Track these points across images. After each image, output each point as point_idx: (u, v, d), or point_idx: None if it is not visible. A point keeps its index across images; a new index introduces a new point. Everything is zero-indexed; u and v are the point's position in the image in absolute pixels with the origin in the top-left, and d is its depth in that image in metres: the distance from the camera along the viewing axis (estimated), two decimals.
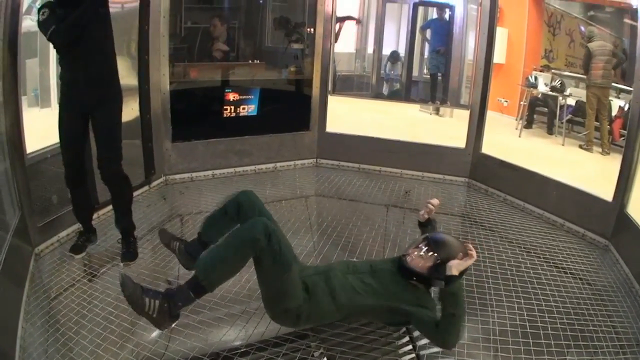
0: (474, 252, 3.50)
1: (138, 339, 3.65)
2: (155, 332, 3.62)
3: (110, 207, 4.97)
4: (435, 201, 4.03)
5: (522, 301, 4.46)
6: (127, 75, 5.76)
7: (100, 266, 4.62)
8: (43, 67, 5.04)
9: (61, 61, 4.23)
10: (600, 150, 9.26)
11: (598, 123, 9.33)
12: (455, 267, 3.40)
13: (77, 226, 4.91)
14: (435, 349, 3.73)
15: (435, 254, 3.50)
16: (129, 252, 4.71)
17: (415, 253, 3.57)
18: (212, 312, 3.93)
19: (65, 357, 3.44)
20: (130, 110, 5.90)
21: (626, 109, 8.87)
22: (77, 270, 4.53)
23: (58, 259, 4.67)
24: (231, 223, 3.63)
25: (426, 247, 3.55)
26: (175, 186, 6.85)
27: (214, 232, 3.69)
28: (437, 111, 11.53)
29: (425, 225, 4.06)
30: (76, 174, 4.47)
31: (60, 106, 4.32)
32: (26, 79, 5.22)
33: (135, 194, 5.53)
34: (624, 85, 9.42)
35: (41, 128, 4.71)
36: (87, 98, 4.25)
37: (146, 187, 6.46)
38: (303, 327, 3.66)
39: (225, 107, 7.19)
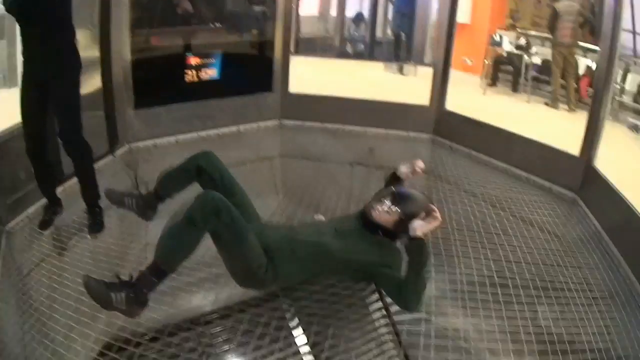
0: (438, 215, 3.38)
1: (110, 313, 3.46)
2: None
3: (75, 179, 4.84)
4: (422, 165, 3.94)
5: (489, 253, 4.40)
6: (88, 46, 5.71)
7: (69, 239, 4.51)
8: (10, 48, 4.92)
9: (22, 37, 4.15)
10: (566, 107, 9.25)
11: (564, 81, 9.29)
12: (419, 228, 3.29)
13: (45, 200, 4.78)
14: None
15: (401, 209, 3.43)
16: (96, 223, 4.60)
17: (381, 207, 3.48)
18: (184, 278, 3.77)
19: (39, 332, 3.38)
20: (92, 81, 5.83)
21: (594, 68, 8.79)
22: (47, 245, 4.41)
23: (28, 235, 4.56)
24: (190, 181, 3.59)
25: (392, 202, 3.47)
26: (139, 154, 6.64)
27: (171, 189, 3.65)
28: (400, 71, 11.43)
29: (394, 182, 3.94)
30: (36, 146, 4.35)
31: (22, 80, 4.25)
32: None
33: (99, 164, 5.63)
34: (592, 44, 9.35)
35: (9, 107, 4.57)
36: (44, 70, 4.14)
37: (110, 157, 6.25)
38: (269, 289, 3.59)
39: (187, 71, 7.01)
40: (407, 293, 3.21)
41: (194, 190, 3.49)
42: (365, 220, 3.52)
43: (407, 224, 3.33)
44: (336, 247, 3.36)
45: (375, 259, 3.39)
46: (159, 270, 2.95)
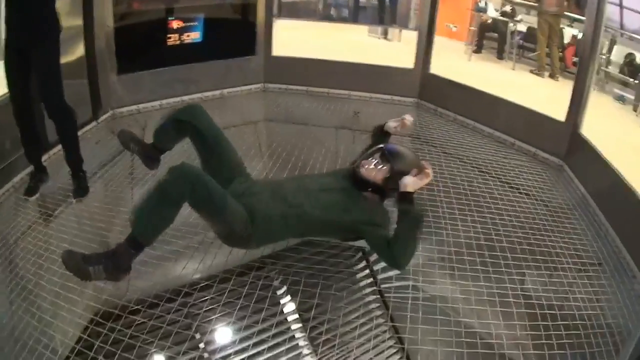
0: (430, 171, 3.32)
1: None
2: None
3: (60, 146, 4.88)
4: (411, 119, 3.82)
5: (476, 216, 4.38)
6: (71, 12, 5.68)
7: (55, 206, 4.50)
8: None
9: (5, 5, 4.18)
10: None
11: (549, 49, 9.26)
12: (411, 184, 3.26)
13: (30, 169, 4.80)
14: (392, 272, 3.72)
15: (391, 165, 3.36)
16: (80, 188, 4.62)
17: (369, 164, 3.42)
18: (169, 246, 3.76)
19: (26, 300, 3.37)
20: (75, 49, 5.83)
21: (579, 37, 8.75)
22: (33, 213, 4.42)
23: (14, 204, 4.54)
24: (182, 134, 3.55)
25: (381, 158, 3.41)
26: (123, 119, 6.61)
27: (166, 142, 3.63)
28: (385, 35, 11.34)
29: (380, 138, 3.85)
30: (22, 110, 4.39)
31: (4, 47, 4.32)
32: None
33: (83, 130, 5.77)
34: (578, 14, 9.30)
35: None
36: (24, 36, 4.19)
37: (94, 123, 6.24)
38: (257, 248, 3.47)
39: (169, 35, 6.95)
40: (398, 250, 3.12)
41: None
42: (354, 178, 3.45)
43: (396, 180, 3.30)
44: (323, 206, 3.28)
45: (363, 217, 3.30)
46: (137, 242, 2.88)
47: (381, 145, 3.52)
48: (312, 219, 3.26)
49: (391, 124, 3.81)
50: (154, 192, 2.87)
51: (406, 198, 3.23)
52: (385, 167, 3.37)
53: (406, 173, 3.31)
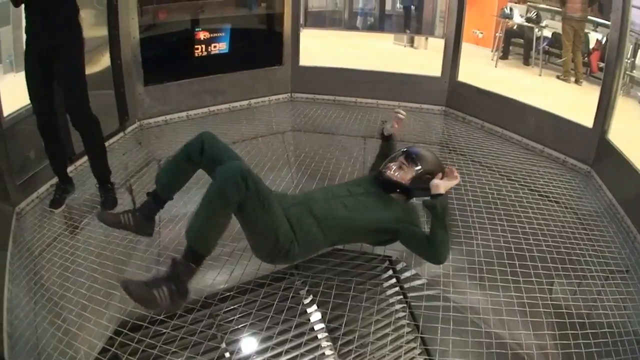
0: (456, 174, 3.45)
1: (124, 292, 3.47)
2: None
3: (86, 158, 4.87)
4: (403, 111, 3.94)
5: (506, 225, 4.39)
6: (96, 23, 5.71)
7: (81, 218, 4.52)
8: (16, 32, 4.95)
9: (25, 14, 4.16)
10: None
11: (573, 55, 9.25)
12: (442, 186, 3.35)
13: (55, 180, 4.79)
14: (419, 281, 3.78)
15: (416, 165, 3.49)
16: (108, 199, 4.59)
17: (395, 166, 3.54)
18: None
19: (51, 312, 3.36)
20: (101, 58, 5.85)
21: (604, 42, 8.75)
22: (58, 224, 4.41)
23: (39, 215, 4.56)
24: (193, 168, 3.29)
25: (406, 160, 3.52)
26: (150, 130, 6.66)
27: (171, 185, 3.31)
28: (411, 43, 11.37)
29: (388, 140, 4.01)
30: (47, 121, 4.35)
31: (25, 56, 4.24)
32: (1, 47, 5.37)
33: (110, 141, 5.79)
34: (602, 19, 9.28)
35: (17, 91, 4.57)
36: (46, 45, 4.16)
37: (121, 134, 6.27)
38: (295, 262, 3.56)
39: (196, 46, 6.99)
40: (437, 246, 3.24)
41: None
42: (380, 180, 3.56)
43: (422, 179, 3.44)
44: (357, 209, 3.38)
45: (396, 215, 3.41)
46: (196, 254, 2.86)
47: (404, 149, 3.63)
48: (348, 222, 3.33)
49: (388, 127, 3.94)
50: (209, 193, 2.83)
51: (438, 197, 3.32)
52: (410, 168, 3.49)
53: (430, 172, 3.46)
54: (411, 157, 3.51)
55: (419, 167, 3.47)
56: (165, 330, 3.23)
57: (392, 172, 3.52)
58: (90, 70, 5.07)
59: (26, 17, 4.16)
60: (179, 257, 2.86)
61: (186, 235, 2.87)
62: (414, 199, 3.62)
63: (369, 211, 3.38)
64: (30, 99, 4.30)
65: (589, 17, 9.35)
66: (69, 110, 4.41)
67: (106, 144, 4.97)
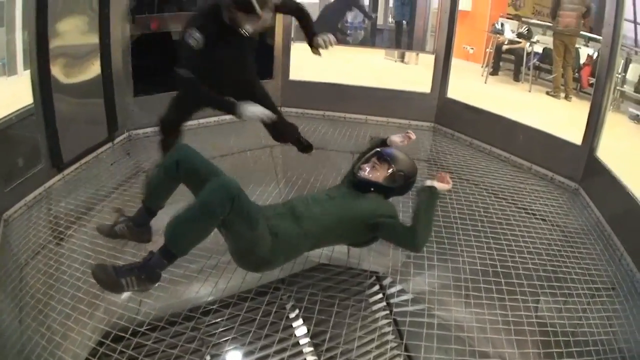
0: (449, 179, 3.73)
1: (109, 302, 3.52)
2: (127, 294, 3.50)
3: (75, 166, 5.18)
4: (414, 135, 4.10)
5: (492, 242, 4.40)
6: (88, 32, 5.67)
7: (67, 228, 4.47)
8: (10, 35, 4.90)
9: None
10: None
11: (564, 70, 9.28)
12: (436, 184, 3.63)
13: (43, 188, 4.90)
14: (405, 297, 3.82)
15: (389, 165, 3.71)
16: (304, 145, 5.36)
17: (368, 167, 3.75)
18: (181, 270, 3.77)
19: (35, 320, 3.38)
20: (91, 67, 5.81)
21: (594, 57, 8.76)
22: (45, 234, 4.39)
23: (26, 222, 4.57)
24: (174, 183, 3.39)
25: (378, 159, 3.76)
26: (139, 141, 6.63)
27: (158, 198, 3.46)
28: (402, 58, 11.39)
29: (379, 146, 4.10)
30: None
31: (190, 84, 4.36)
32: None
33: (98, 151, 5.85)
34: (592, 34, 9.31)
35: (8, 95, 4.68)
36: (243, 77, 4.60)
37: (109, 144, 6.24)
38: (275, 267, 3.57)
39: None
40: (419, 230, 3.44)
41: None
42: (355, 181, 3.74)
43: (395, 177, 3.69)
44: (335, 208, 3.51)
45: (372, 207, 3.56)
46: (170, 253, 2.97)
47: (377, 149, 3.85)
48: (328, 222, 3.46)
49: (396, 139, 4.06)
50: (195, 204, 2.96)
51: (430, 188, 3.59)
52: (383, 167, 3.72)
53: (403, 170, 3.71)
54: (383, 157, 3.73)
55: (392, 166, 3.68)
56: (147, 343, 3.23)
57: (366, 173, 3.71)
58: (79, 78, 5.22)
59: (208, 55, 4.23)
60: (157, 251, 2.98)
61: (165, 234, 2.97)
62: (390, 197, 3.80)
63: (345, 208, 3.53)
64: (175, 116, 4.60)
65: (582, 32, 9.38)
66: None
67: (94, 153, 5.18)
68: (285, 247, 3.33)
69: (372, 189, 3.69)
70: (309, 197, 3.64)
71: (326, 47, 4.41)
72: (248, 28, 4.05)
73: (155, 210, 3.47)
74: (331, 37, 4.41)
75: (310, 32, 4.53)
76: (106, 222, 3.67)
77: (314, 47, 4.48)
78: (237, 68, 4.40)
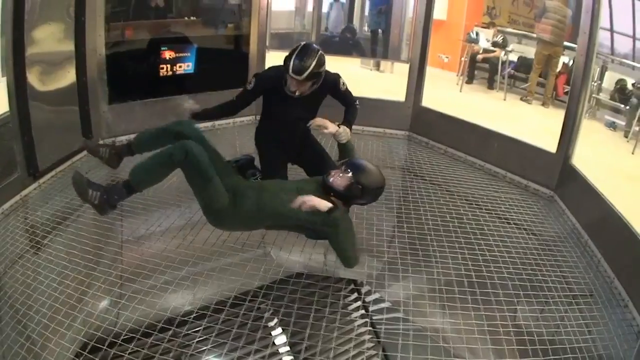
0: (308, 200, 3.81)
1: (89, 309, 3.55)
2: (105, 301, 3.69)
3: (51, 174, 5.33)
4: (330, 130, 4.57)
5: (466, 252, 4.38)
6: (63, 39, 5.64)
7: (44, 237, 4.43)
8: (4, 37, 4.80)
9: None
10: (539, 103, 9.32)
11: (544, 79, 9.32)
12: (320, 208, 3.75)
13: (19, 196, 4.92)
14: (383, 304, 3.85)
15: (350, 175, 3.92)
16: None
17: (336, 173, 4.00)
18: (161, 276, 3.89)
19: (14, 329, 3.35)
20: (66, 74, 5.75)
21: (570, 65, 8.81)
22: (22, 243, 4.33)
23: (3, 231, 4.47)
24: (166, 142, 3.99)
25: (345, 168, 3.98)
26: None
27: (144, 146, 4.29)
28: (377, 67, 11.41)
29: (342, 149, 4.58)
30: None
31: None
32: None
33: (73, 159, 5.82)
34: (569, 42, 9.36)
35: None
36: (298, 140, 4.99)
37: (84, 152, 6.07)
38: (229, 228, 4.21)
39: (161, 65, 6.91)
40: (346, 252, 3.82)
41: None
42: (323, 184, 4.00)
43: (351, 188, 3.90)
44: (290, 204, 3.81)
45: (323, 216, 3.73)
46: (129, 186, 3.72)
47: (347, 160, 4.18)
48: (283, 211, 3.83)
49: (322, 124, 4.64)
50: (157, 153, 3.73)
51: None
52: (345, 176, 3.93)
53: (361, 184, 3.91)
54: (349, 167, 3.98)
55: (352, 177, 3.90)
56: (124, 354, 3.17)
57: (333, 179, 3.96)
58: (55, 86, 5.26)
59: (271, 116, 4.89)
60: (120, 181, 3.77)
61: (130, 172, 3.75)
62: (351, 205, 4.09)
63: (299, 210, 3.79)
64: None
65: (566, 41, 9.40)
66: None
67: (69, 161, 5.52)
68: (241, 211, 3.85)
69: (332, 194, 3.93)
70: (285, 183, 4.27)
71: (342, 140, 4.58)
72: (289, 87, 4.53)
73: (134, 152, 4.33)
74: (348, 131, 4.66)
75: (346, 120, 4.88)
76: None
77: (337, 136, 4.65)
78: (289, 124, 4.83)
